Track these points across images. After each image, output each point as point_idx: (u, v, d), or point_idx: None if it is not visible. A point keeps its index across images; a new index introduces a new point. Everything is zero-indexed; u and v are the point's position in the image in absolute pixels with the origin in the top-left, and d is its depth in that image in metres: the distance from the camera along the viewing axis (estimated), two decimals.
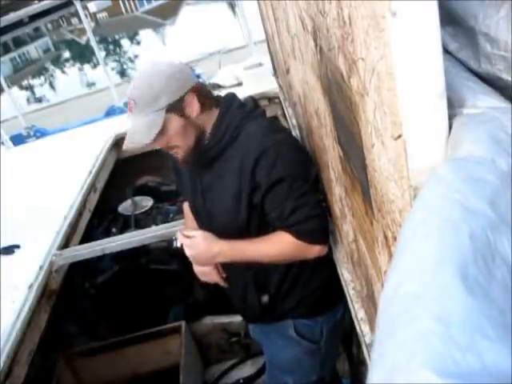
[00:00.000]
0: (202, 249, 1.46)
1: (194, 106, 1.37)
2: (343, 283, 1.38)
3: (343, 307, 1.63)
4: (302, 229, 1.38)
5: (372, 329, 1.14)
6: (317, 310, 1.61)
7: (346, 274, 1.37)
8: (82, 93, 10.92)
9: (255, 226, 1.44)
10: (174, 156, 1.44)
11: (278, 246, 1.43)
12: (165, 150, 1.43)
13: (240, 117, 1.42)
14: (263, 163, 1.34)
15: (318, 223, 1.40)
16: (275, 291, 1.55)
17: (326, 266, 1.54)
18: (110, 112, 6.01)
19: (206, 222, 1.55)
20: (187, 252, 1.47)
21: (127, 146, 1.38)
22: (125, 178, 3.18)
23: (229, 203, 1.42)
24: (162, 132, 1.34)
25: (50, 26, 25.95)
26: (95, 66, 13.58)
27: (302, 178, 1.38)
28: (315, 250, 1.42)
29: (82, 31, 15.68)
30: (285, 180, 1.34)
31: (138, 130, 1.34)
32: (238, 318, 2.44)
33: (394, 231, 0.66)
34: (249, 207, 1.41)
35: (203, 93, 1.41)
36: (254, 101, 1.53)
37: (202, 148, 1.43)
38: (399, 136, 0.52)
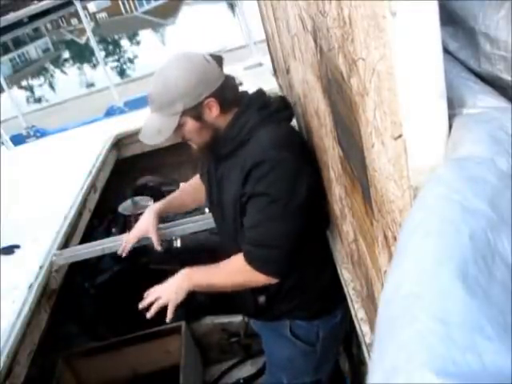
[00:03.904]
0: (171, 283, 1.48)
1: (212, 110, 1.36)
2: (343, 283, 1.38)
3: (342, 311, 1.61)
4: (249, 249, 1.37)
5: (372, 329, 1.14)
6: (315, 313, 1.60)
7: (346, 274, 1.37)
8: (82, 93, 10.91)
9: None
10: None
11: (229, 267, 1.43)
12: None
13: (257, 119, 1.39)
14: (255, 173, 1.32)
15: (270, 253, 1.35)
16: (273, 292, 1.53)
17: (328, 272, 1.52)
18: (110, 112, 6.01)
19: (217, 212, 1.56)
20: (161, 298, 1.47)
21: (141, 139, 1.41)
22: (125, 177, 3.18)
23: (231, 203, 1.43)
24: (176, 131, 1.37)
25: (49, 26, 25.95)
26: (95, 66, 13.58)
27: (282, 203, 1.32)
28: (259, 278, 1.38)
29: (82, 31, 15.69)
30: (265, 196, 1.32)
31: (151, 129, 1.37)
32: (238, 318, 2.44)
33: (394, 231, 0.66)
34: (241, 212, 1.41)
35: (226, 94, 1.38)
36: (282, 102, 1.48)
37: (216, 144, 1.44)
38: (399, 136, 0.52)
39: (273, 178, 1.31)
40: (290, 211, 1.33)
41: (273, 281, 1.40)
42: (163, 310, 1.49)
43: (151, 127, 1.37)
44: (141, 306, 1.48)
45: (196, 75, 1.32)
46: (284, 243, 1.35)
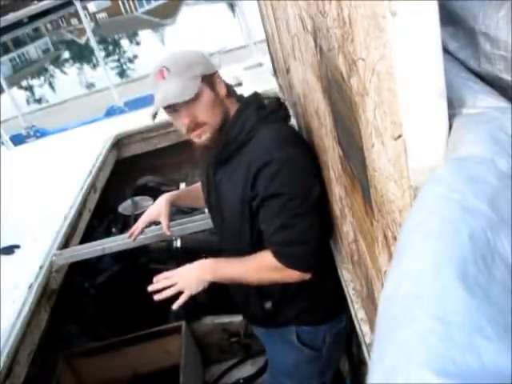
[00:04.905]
0: (185, 271, 1.44)
1: (221, 86, 1.40)
2: (343, 283, 1.37)
3: (347, 315, 1.59)
4: (281, 250, 1.34)
5: (372, 329, 1.14)
6: (321, 318, 1.58)
7: (346, 274, 1.37)
8: (82, 93, 10.92)
9: (257, 233, 1.41)
10: (196, 142, 1.41)
11: (258, 263, 1.40)
12: (189, 134, 1.38)
13: (256, 118, 1.38)
14: (264, 174, 1.31)
15: (301, 249, 1.34)
16: (279, 298, 1.52)
17: (333, 275, 1.50)
18: (110, 112, 6.02)
19: (217, 216, 1.54)
20: (177, 284, 1.41)
21: (157, 107, 1.33)
22: (125, 178, 3.18)
23: (236, 208, 1.41)
24: (194, 101, 1.32)
25: (49, 26, 25.95)
26: (95, 66, 13.59)
27: (300, 199, 1.31)
28: (293, 275, 1.37)
29: (82, 31, 15.71)
30: (280, 196, 1.30)
31: (172, 91, 1.30)
32: (238, 318, 2.44)
33: (394, 231, 0.66)
34: (251, 214, 1.39)
35: (226, 83, 1.45)
36: (277, 103, 1.48)
37: (221, 142, 1.41)
38: (399, 136, 0.52)
39: (284, 177, 1.30)
40: (309, 205, 1.33)
41: (306, 276, 1.38)
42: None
43: (173, 89, 1.30)
44: (152, 288, 1.42)
45: (202, 55, 1.41)
46: (312, 236, 1.34)
